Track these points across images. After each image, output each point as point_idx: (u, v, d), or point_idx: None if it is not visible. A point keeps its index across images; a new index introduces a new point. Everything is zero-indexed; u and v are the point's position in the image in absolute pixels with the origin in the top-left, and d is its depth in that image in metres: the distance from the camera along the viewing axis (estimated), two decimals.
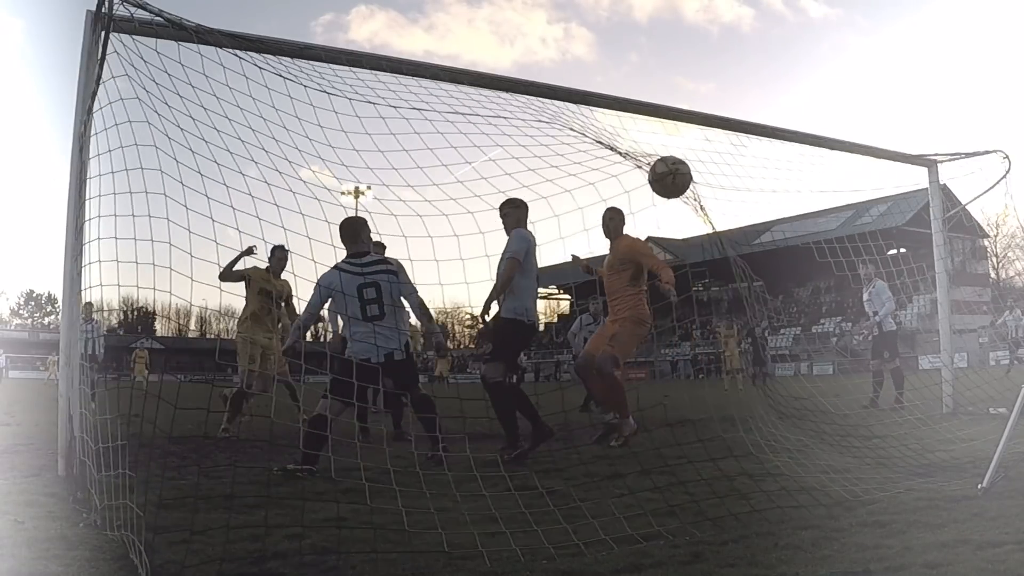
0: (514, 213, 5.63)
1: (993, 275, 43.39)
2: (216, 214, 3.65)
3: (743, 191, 6.37)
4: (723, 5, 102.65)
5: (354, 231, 5.14)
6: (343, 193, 5.07)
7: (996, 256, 45.12)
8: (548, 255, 6.81)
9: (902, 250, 30.11)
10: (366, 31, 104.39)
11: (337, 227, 5.06)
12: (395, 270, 5.12)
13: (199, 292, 3.67)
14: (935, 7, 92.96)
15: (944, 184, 8.45)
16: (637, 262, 6.01)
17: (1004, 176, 7.73)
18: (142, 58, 4.08)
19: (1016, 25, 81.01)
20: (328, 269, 5.06)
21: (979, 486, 3.35)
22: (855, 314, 38.69)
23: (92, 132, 4.28)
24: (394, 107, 4.60)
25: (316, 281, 5.02)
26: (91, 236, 4.14)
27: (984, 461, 3.65)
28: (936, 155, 8.27)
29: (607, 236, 6.16)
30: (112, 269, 3.66)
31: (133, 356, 24.14)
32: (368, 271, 5.04)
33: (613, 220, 6.12)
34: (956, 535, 2.66)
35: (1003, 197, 7.84)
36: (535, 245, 5.61)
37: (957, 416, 7.42)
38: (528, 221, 5.71)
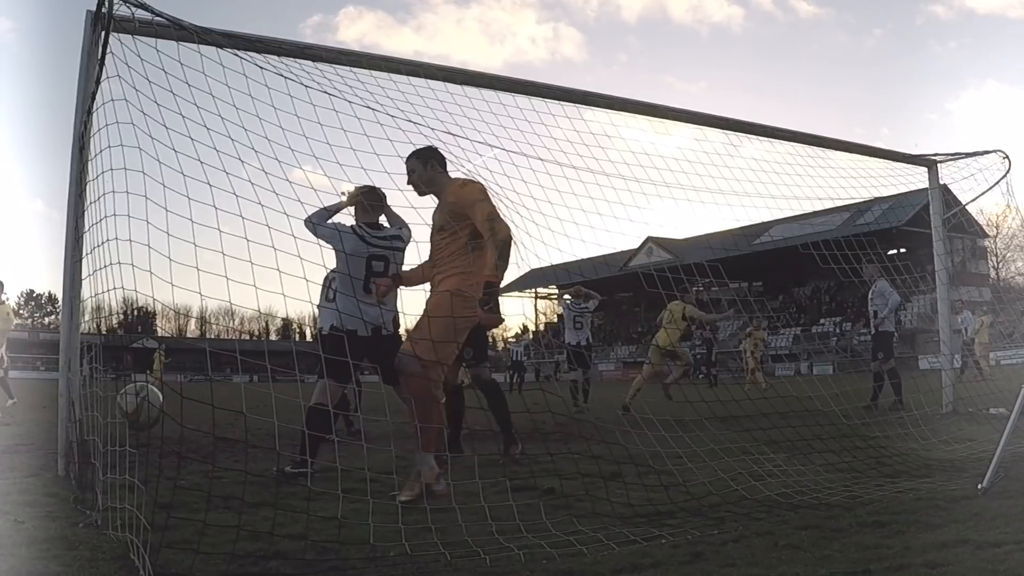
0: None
1: (993, 275, 43.41)
2: (218, 213, 3.63)
3: (740, 195, 6.36)
4: (712, 5, 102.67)
5: (369, 200, 5.04)
6: (341, 194, 5.02)
7: (996, 256, 45.12)
8: (552, 255, 6.71)
9: (902, 250, 30.15)
10: (355, 32, 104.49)
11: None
12: (403, 247, 5.04)
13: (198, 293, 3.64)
14: (925, 6, 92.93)
15: (944, 184, 8.46)
16: (468, 216, 4.01)
17: (1004, 176, 7.74)
18: (140, 57, 4.06)
19: (1014, 23, 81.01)
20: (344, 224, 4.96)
21: (979, 486, 3.35)
22: (855, 314, 38.69)
23: (92, 132, 4.28)
24: (393, 115, 4.56)
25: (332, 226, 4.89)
26: (94, 240, 4.12)
27: (984, 461, 3.65)
28: (936, 155, 8.28)
29: (422, 190, 4.24)
30: (114, 270, 3.63)
31: (155, 356, 25.01)
32: (383, 244, 4.94)
33: (431, 161, 4.20)
34: (956, 535, 2.65)
35: (1003, 197, 7.86)
36: None
37: (957, 416, 7.43)
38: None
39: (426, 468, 3.87)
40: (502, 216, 4.04)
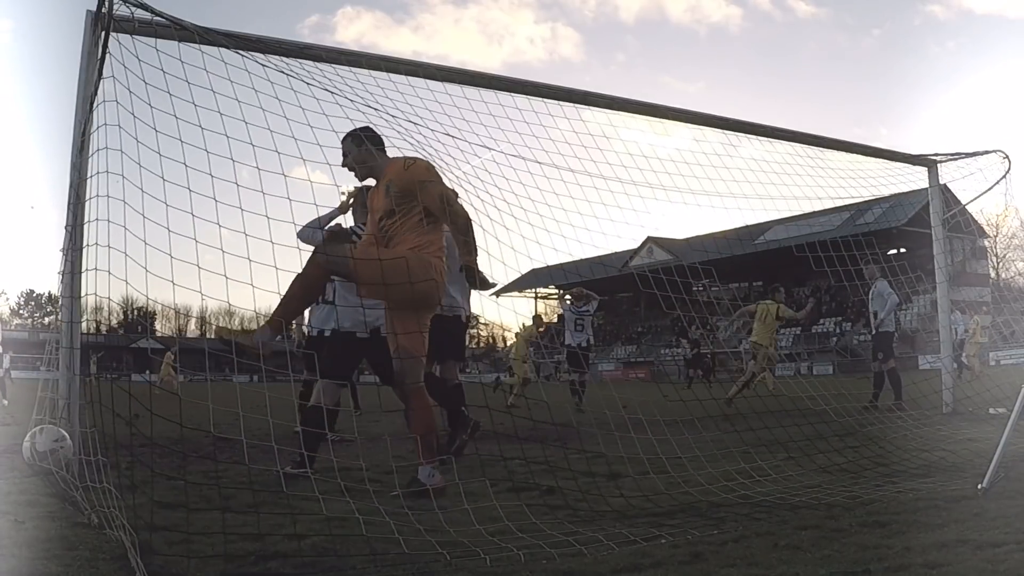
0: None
1: (993, 275, 43.38)
2: (220, 214, 3.63)
3: (739, 196, 6.36)
4: (711, 5, 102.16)
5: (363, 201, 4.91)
6: (341, 193, 5.01)
7: (996, 256, 45.08)
8: (549, 256, 6.65)
9: (902, 250, 30.15)
10: (353, 32, 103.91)
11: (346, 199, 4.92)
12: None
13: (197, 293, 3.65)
14: (923, 6, 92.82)
15: (944, 184, 8.46)
16: (418, 196, 3.77)
17: (1004, 176, 7.74)
18: (139, 58, 4.06)
19: (1012, 22, 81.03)
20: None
21: (979, 486, 3.35)
22: (855, 314, 38.68)
23: (91, 131, 4.28)
24: (392, 116, 4.54)
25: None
26: (90, 239, 4.11)
27: (984, 461, 3.65)
28: (936, 155, 8.27)
29: (359, 173, 4.04)
30: (114, 270, 3.64)
31: (164, 359, 24.36)
32: None
33: (365, 142, 3.95)
34: (956, 535, 2.65)
35: (1003, 197, 7.86)
36: None
37: (957, 416, 7.43)
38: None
39: (435, 481, 3.81)
40: (456, 197, 3.93)
